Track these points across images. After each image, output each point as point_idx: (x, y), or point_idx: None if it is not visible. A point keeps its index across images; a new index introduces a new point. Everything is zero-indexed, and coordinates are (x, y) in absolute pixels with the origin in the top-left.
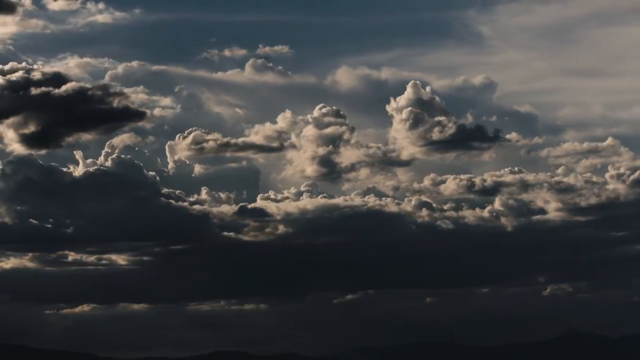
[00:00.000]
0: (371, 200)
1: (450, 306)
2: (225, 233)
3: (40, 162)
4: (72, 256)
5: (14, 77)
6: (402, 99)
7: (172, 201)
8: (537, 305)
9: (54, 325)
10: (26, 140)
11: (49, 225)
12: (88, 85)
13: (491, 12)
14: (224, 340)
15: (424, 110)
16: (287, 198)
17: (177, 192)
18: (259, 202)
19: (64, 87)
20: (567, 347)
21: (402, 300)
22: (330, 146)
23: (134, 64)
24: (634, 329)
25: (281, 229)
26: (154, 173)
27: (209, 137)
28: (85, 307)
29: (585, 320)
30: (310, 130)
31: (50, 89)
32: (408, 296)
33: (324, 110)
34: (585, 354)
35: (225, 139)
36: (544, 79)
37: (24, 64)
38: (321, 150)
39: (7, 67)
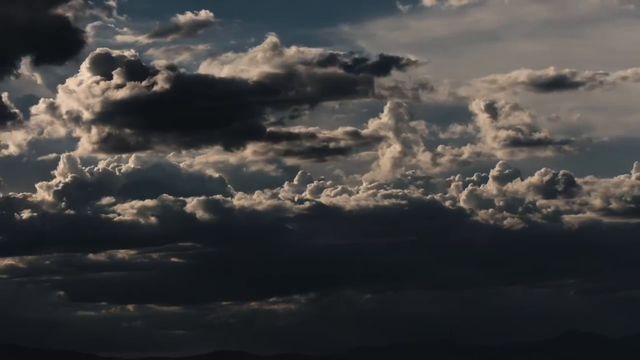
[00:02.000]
0: (426, 201)
1: (456, 306)
2: (262, 234)
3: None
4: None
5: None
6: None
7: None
8: (542, 305)
9: (60, 326)
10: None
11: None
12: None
13: (364, 27)
14: (224, 340)
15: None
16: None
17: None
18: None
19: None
20: (568, 347)
21: (412, 300)
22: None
23: None
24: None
25: (327, 229)
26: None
27: None
28: (95, 308)
29: (586, 319)
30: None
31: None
32: (421, 297)
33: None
34: (586, 354)
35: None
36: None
37: None
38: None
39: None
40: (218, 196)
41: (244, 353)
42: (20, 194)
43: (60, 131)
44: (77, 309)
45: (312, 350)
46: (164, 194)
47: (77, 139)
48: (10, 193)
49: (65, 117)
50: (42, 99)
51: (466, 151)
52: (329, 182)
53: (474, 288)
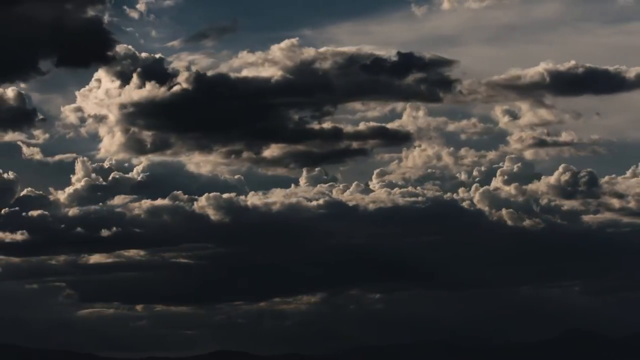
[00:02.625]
0: (442, 199)
1: (460, 307)
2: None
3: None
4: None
5: None
6: None
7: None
8: (544, 305)
9: (68, 326)
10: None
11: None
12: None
13: (325, 32)
14: (228, 340)
15: None
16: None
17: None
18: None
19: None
20: (569, 347)
21: (417, 301)
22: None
23: None
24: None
25: (341, 229)
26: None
27: None
28: (94, 308)
29: (588, 319)
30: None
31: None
32: (426, 297)
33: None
34: (587, 353)
35: None
36: None
37: None
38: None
39: None
40: (231, 195)
41: (245, 353)
42: (36, 193)
43: (82, 132)
44: (87, 309)
45: (314, 349)
46: (176, 192)
47: (99, 140)
48: (26, 192)
49: (88, 119)
50: (66, 101)
51: (490, 153)
52: (343, 183)
53: (480, 288)
